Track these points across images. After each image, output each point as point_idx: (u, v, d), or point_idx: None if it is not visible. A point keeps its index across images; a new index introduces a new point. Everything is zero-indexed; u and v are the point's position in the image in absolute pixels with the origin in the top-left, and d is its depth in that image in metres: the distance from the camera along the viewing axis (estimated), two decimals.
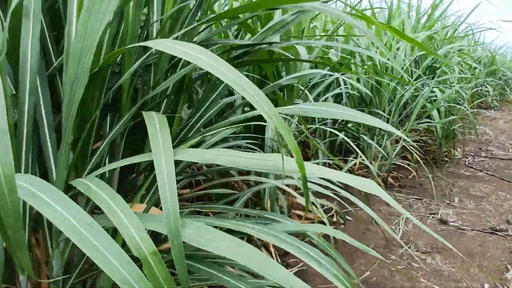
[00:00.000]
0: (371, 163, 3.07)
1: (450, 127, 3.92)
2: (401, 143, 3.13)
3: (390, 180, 3.14)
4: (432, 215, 2.61)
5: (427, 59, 3.59)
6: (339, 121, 3.29)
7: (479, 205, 2.84)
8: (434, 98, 3.55)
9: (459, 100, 4.82)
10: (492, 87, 9.28)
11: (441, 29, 3.93)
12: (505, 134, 5.65)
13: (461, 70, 5.11)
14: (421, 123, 3.47)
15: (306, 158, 3.36)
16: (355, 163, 3.15)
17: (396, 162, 3.22)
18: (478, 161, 4.17)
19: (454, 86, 3.99)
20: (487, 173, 3.74)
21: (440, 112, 3.61)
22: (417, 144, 4.05)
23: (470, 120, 4.71)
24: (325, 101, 3.24)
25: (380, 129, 3.03)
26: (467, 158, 4.28)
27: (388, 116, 3.02)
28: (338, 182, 1.17)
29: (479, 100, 8.56)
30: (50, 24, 0.98)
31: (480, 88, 8.73)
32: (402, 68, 3.03)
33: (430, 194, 3.03)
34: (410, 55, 3.03)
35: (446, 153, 4.18)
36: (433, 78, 4.08)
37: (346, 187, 1.19)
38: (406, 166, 3.32)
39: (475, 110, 5.92)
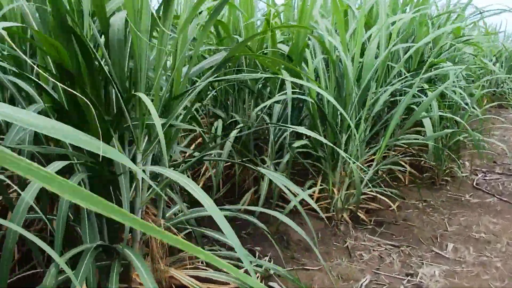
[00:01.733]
0: (337, 190, 2.28)
1: (452, 139, 3.07)
2: (386, 162, 2.32)
3: (361, 215, 2.33)
4: (409, 278, 1.79)
5: (416, 51, 2.75)
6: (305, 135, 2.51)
7: (482, 256, 2.01)
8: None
9: (466, 103, 3.93)
10: None
11: (438, 11, 3.07)
12: None
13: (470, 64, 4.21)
14: (407, 139, 2.64)
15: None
16: (316, 191, 2.36)
17: (374, 190, 2.40)
18: (490, 180, 3.28)
19: (457, 85, 3.13)
20: (501, 199, 2.87)
21: (434, 121, 2.77)
22: (409, 160, 3.22)
23: (479, 127, 3.81)
24: (269, 108, 2.47)
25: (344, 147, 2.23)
26: (477, 175, 3.40)
27: (357, 129, 2.21)
28: None
29: (493, 104, 7.52)
30: None
31: (501, 86, 7.68)
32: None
33: (415, 237, 2.21)
34: (387, 45, 2.22)
35: (448, 170, 3.32)
36: (430, 78, 3.23)
37: None
38: (388, 193, 2.49)
39: (488, 115, 4.99)
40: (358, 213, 2.31)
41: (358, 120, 2.24)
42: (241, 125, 2.40)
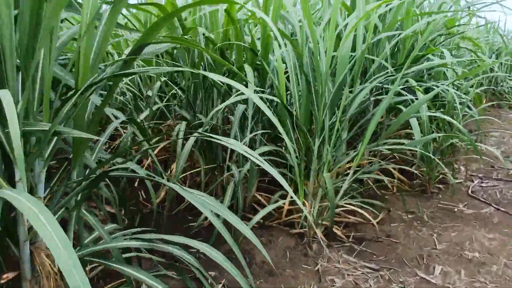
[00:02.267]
0: (310, 203, 1.99)
1: (445, 142, 2.77)
2: (366, 171, 2.02)
3: (338, 231, 2.04)
4: None
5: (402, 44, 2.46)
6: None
7: (475, 282, 1.71)
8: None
9: (461, 102, 3.65)
10: None
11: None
12: None
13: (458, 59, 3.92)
14: (393, 144, 2.34)
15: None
16: (286, 202, 2.07)
17: (352, 203, 2.10)
18: (487, 187, 2.99)
19: (451, 83, 2.83)
20: (498, 208, 2.58)
21: (424, 123, 2.48)
22: (399, 165, 2.92)
23: (476, 129, 3.52)
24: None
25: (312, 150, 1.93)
26: (473, 182, 3.10)
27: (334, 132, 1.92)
28: None
29: (492, 103, 7.22)
30: None
31: (500, 84, 7.38)
32: (352, 57, 1.92)
33: (399, 257, 1.92)
34: (366, 37, 1.92)
35: (441, 177, 3.02)
36: (421, 75, 2.94)
37: None
38: (371, 204, 2.20)
39: (484, 116, 4.72)
40: (334, 229, 2.01)
41: (333, 122, 1.95)
42: (196, 129, 2.11)
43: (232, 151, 2.19)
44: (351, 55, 1.94)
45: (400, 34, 2.31)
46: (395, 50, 2.60)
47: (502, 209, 2.56)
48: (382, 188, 2.79)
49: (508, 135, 4.71)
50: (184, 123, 2.32)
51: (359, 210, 1.96)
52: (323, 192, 1.96)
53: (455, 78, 3.30)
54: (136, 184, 2.63)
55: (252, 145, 2.28)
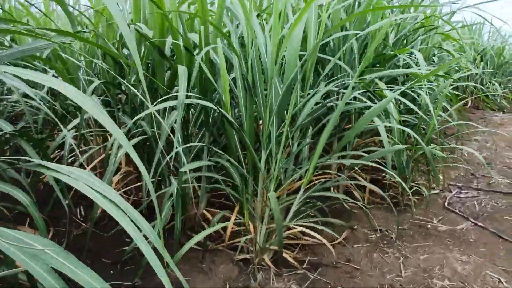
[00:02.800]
0: (257, 224, 1.72)
1: (417, 151, 2.52)
2: (318, 188, 1.76)
3: (289, 256, 1.77)
4: None
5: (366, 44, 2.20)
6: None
7: None
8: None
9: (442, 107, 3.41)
10: (503, 85, 7.71)
11: None
12: None
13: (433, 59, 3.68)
14: (355, 157, 2.08)
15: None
16: (231, 224, 1.79)
17: (305, 224, 1.83)
18: (466, 198, 2.75)
19: (426, 85, 2.58)
20: (476, 223, 2.33)
21: (394, 132, 2.23)
22: (370, 175, 2.67)
23: (458, 133, 3.28)
24: None
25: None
26: (451, 192, 2.86)
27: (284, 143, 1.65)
28: None
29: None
30: None
31: (486, 86, 7.19)
32: (301, 58, 1.66)
33: (357, 286, 1.66)
34: (317, 32, 1.66)
35: (416, 187, 2.77)
36: (394, 77, 2.69)
37: None
38: (328, 228, 1.93)
39: (465, 122, 4.49)
40: (286, 254, 1.75)
41: (289, 132, 1.68)
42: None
43: (177, 159, 1.91)
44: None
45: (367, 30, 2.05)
46: (361, 50, 2.35)
47: (480, 224, 2.31)
48: (352, 198, 2.53)
49: (491, 139, 4.50)
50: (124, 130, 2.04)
51: (310, 232, 1.69)
52: (270, 213, 1.70)
53: (419, 77, 3.06)
54: (75, 200, 2.34)
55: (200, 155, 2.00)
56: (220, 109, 1.52)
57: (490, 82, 7.10)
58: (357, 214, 2.40)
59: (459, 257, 1.90)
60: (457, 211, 2.51)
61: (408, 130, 1.78)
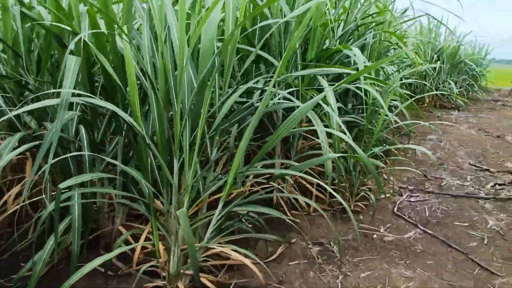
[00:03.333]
0: (171, 246, 1.45)
1: (367, 151, 2.33)
2: (241, 203, 1.51)
3: (209, 281, 1.50)
4: None
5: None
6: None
7: None
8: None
9: (395, 106, 3.27)
10: (459, 84, 7.81)
11: None
12: (466, 147, 4.12)
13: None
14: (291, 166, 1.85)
15: None
16: (140, 245, 1.51)
17: (226, 242, 1.58)
18: (416, 202, 2.60)
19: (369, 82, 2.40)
20: (425, 230, 2.18)
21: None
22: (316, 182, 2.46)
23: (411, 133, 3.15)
24: None
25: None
26: (402, 195, 2.71)
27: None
28: None
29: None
30: None
31: (442, 85, 7.26)
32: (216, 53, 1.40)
33: None
34: (237, 20, 1.41)
35: (365, 192, 2.60)
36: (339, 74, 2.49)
37: None
38: (260, 241, 1.69)
39: (416, 121, 4.30)
40: (205, 279, 1.48)
41: (209, 136, 1.42)
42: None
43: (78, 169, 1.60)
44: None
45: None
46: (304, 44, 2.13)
47: (429, 232, 2.16)
48: (296, 208, 2.32)
49: (446, 138, 4.44)
50: (18, 135, 1.70)
51: (231, 253, 1.44)
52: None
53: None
54: None
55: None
56: (115, 107, 1.24)
57: (446, 81, 7.16)
58: (299, 224, 2.17)
59: (404, 273, 1.71)
60: (406, 217, 2.35)
61: (343, 136, 1.55)
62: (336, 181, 2.27)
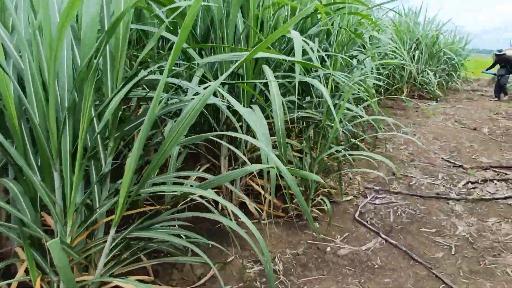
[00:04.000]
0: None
1: (324, 151, 2.06)
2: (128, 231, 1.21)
3: None
4: None
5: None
6: None
7: None
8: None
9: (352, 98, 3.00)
10: (438, 74, 7.62)
11: None
12: (441, 140, 3.90)
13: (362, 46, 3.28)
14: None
15: None
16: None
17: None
18: (381, 205, 2.35)
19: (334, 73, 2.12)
20: (386, 239, 1.93)
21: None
22: (270, 185, 2.18)
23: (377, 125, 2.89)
24: None
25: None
26: (367, 197, 2.46)
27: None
28: None
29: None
30: None
31: (421, 75, 7.05)
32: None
33: None
34: None
35: (323, 194, 2.33)
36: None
37: None
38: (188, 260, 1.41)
39: (381, 117, 4.00)
40: None
41: (102, 142, 1.11)
42: None
43: None
44: None
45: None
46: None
47: (391, 241, 1.91)
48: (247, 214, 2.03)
49: (420, 131, 4.22)
50: None
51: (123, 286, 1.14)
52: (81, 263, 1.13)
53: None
54: None
55: None
56: None
57: (425, 71, 6.96)
58: (247, 234, 1.90)
59: None
60: (368, 223, 2.09)
61: (254, 141, 1.26)
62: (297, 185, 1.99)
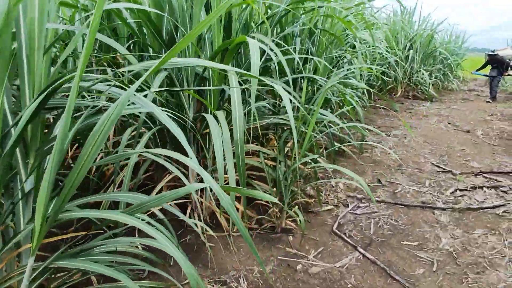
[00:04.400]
0: None
1: (300, 158, 1.93)
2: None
3: None
4: None
5: None
6: None
7: None
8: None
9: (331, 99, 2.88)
10: (434, 73, 7.48)
11: None
12: (432, 143, 3.77)
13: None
14: None
15: None
16: None
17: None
18: (361, 216, 2.22)
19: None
20: (364, 254, 1.80)
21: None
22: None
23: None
24: None
25: None
26: (348, 206, 2.33)
27: None
28: None
29: (406, 95, 6.72)
30: None
31: (415, 74, 6.91)
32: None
33: None
34: None
35: (301, 203, 2.20)
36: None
37: None
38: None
39: (353, 124, 3.79)
40: None
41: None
42: None
43: None
44: None
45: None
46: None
47: (369, 256, 1.78)
48: (214, 227, 1.91)
49: (411, 134, 4.08)
50: None
51: None
52: None
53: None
54: None
55: None
56: None
57: (420, 71, 6.82)
58: (214, 248, 1.77)
59: None
60: (346, 236, 1.96)
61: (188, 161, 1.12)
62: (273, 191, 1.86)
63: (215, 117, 1.53)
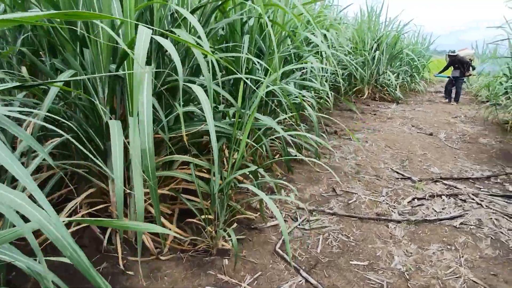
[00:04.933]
0: None
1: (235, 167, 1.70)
2: None
3: None
4: None
5: None
6: None
7: None
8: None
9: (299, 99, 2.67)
10: (400, 75, 7.45)
11: None
12: (393, 148, 3.63)
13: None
14: None
15: None
16: None
17: None
18: (311, 232, 2.01)
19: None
20: (307, 279, 1.59)
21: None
22: (178, 207, 1.83)
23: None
24: None
25: None
26: (296, 220, 2.12)
27: None
28: None
29: (373, 96, 6.63)
30: None
31: (382, 76, 6.85)
32: None
33: None
34: None
35: (238, 221, 1.97)
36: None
37: None
38: None
39: (300, 133, 3.56)
40: None
41: None
42: None
43: None
44: None
45: None
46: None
47: (312, 281, 1.57)
48: (144, 249, 1.65)
49: (373, 138, 3.94)
50: None
51: None
52: None
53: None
54: None
55: None
56: None
57: (386, 72, 6.76)
58: (133, 278, 1.51)
59: None
60: (288, 258, 1.75)
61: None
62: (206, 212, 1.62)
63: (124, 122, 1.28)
